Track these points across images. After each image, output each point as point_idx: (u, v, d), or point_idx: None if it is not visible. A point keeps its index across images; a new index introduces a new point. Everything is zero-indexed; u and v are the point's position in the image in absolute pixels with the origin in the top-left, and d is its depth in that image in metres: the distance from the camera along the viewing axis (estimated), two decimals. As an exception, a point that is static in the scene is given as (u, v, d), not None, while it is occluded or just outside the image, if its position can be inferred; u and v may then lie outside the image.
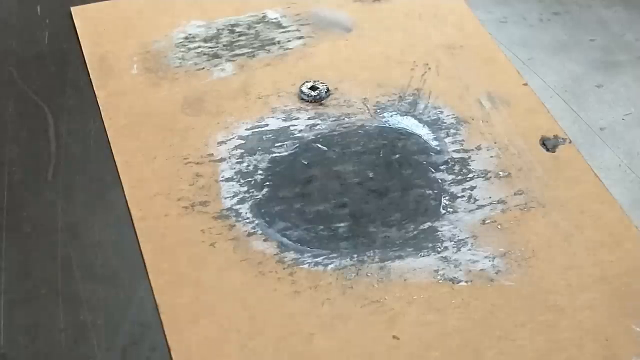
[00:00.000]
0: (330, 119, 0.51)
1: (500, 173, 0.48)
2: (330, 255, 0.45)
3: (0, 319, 0.42)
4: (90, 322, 0.42)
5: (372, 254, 0.45)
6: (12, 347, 0.41)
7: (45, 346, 0.41)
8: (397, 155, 0.49)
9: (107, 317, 0.42)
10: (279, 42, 0.55)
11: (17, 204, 0.47)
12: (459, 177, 0.48)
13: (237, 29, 0.56)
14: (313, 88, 0.52)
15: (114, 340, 0.42)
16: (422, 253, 0.45)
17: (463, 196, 0.47)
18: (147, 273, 0.44)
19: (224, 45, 0.55)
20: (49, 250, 0.45)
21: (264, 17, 0.57)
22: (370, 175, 0.48)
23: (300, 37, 0.56)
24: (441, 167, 0.49)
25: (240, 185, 0.48)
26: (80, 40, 0.55)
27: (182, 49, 0.55)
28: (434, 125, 0.51)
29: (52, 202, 0.47)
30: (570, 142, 0.50)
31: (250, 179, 0.48)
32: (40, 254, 0.45)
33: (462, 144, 0.50)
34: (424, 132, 0.50)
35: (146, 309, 0.43)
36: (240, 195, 0.47)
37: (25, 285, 0.44)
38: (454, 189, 0.48)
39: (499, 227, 0.46)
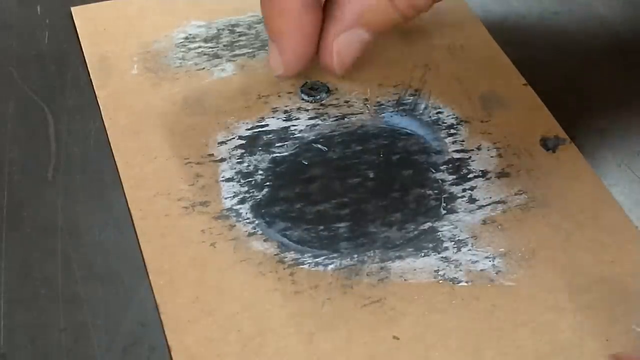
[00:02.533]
0: (331, 119, 0.51)
1: (501, 173, 0.49)
2: (331, 256, 0.45)
3: (0, 319, 0.42)
4: (90, 322, 0.42)
5: (372, 254, 0.45)
6: (12, 347, 0.41)
7: (45, 346, 0.41)
8: (398, 156, 0.49)
9: (107, 317, 0.42)
10: (279, 42, 0.55)
11: (17, 204, 0.47)
12: (459, 177, 0.48)
13: (238, 29, 0.56)
14: (313, 88, 0.52)
15: (114, 340, 0.42)
16: (423, 253, 0.45)
17: (463, 196, 0.47)
18: (147, 273, 0.44)
19: (224, 46, 0.55)
20: (49, 250, 0.45)
21: (264, 17, 0.57)
22: (371, 175, 0.48)
23: (300, 37, 0.56)
24: (441, 168, 0.49)
25: (241, 186, 0.48)
26: (81, 40, 0.55)
27: (183, 49, 0.55)
28: (434, 125, 0.51)
29: (52, 202, 0.47)
30: (570, 142, 0.50)
31: (250, 179, 0.48)
32: (40, 254, 0.45)
33: (462, 144, 0.50)
34: (424, 132, 0.50)
35: (146, 309, 0.43)
36: (241, 196, 0.47)
37: (25, 285, 0.44)
38: (454, 189, 0.48)
39: (500, 227, 0.46)
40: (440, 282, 0.44)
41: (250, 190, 0.47)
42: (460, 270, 0.44)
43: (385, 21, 0.47)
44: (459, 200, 0.47)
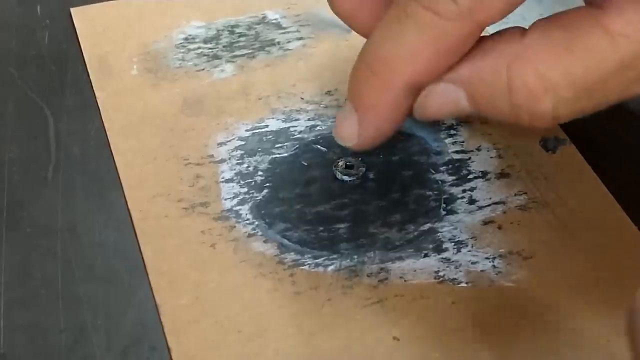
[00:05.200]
0: (330, 120, 0.51)
1: (500, 174, 0.49)
2: (331, 257, 0.45)
3: (0, 319, 0.42)
4: (90, 322, 0.42)
5: (372, 255, 0.45)
6: (12, 347, 0.41)
7: (45, 346, 0.41)
8: (397, 157, 0.49)
9: (107, 317, 0.42)
10: (278, 42, 0.55)
11: (17, 204, 0.47)
12: (459, 178, 0.48)
13: (237, 30, 0.56)
14: (349, 167, 0.49)
15: (114, 340, 0.42)
16: (423, 254, 0.45)
17: (463, 197, 0.47)
18: (147, 273, 0.44)
19: (223, 46, 0.55)
20: (49, 250, 0.45)
21: (264, 17, 0.57)
22: (371, 176, 0.48)
23: (300, 38, 0.56)
24: (441, 168, 0.49)
25: (241, 187, 0.48)
26: (80, 41, 0.55)
27: (182, 50, 0.55)
28: (434, 126, 0.51)
29: (52, 202, 0.47)
30: (570, 142, 0.50)
31: (250, 180, 0.48)
32: (40, 254, 0.45)
33: (462, 145, 0.50)
34: (424, 133, 0.50)
35: (146, 309, 0.43)
36: (241, 197, 0.47)
37: (25, 285, 0.43)
38: (454, 190, 0.48)
39: (499, 228, 0.46)
40: (441, 283, 0.44)
41: (250, 191, 0.47)
42: (460, 271, 0.44)
43: (491, 106, 0.41)
44: (459, 201, 0.47)
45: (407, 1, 0.40)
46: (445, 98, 0.41)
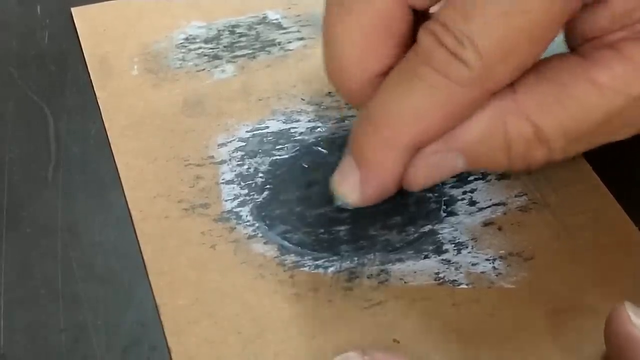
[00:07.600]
0: (331, 122, 0.51)
1: (501, 175, 0.49)
2: (331, 258, 0.45)
3: (0, 319, 0.42)
4: (90, 322, 0.42)
5: (372, 257, 0.45)
6: (12, 347, 0.41)
7: (45, 346, 0.41)
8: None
9: (107, 317, 0.42)
10: (279, 43, 0.55)
11: (17, 204, 0.47)
12: (459, 180, 0.48)
13: (238, 30, 0.56)
14: None
15: (114, 340, 0.42)
16: (423, 256, 0.45)
17: (463, 199, 0.47)
18: (147, 273, 0.44)
19: (224, 47, 0.55)
20: (49, 250, 0.45)
21: (264, 18, 0.57)
22: (371, 178, 0.48)
23: (301, 39, 0.56)
24: (441, 170, 0.49)
25: (241, 188, 0.48)
26: (81, 40, 0.55)
27: (183, 50, 0.55)
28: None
29: (52, 202, 0.47)
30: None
31: (250, 182, 0.48)
32: (40, 254, 0.45)
33: (462, 147, 0.50)
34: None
35: (146, 309, 0.43)
36: (241, 198, 0.47)
37: (25, 285, 0.43)
38: (455, 192, 0.48)
39: (500, 229, 0.46)
40: (441, 284, 0.44)
41: (251, 193, 0.47)
42: (461, 273, 0.44)
43: (490, 162, 0.42)
44: (459, 202, 0.47)
45: (417, 63, 0.40)
46: (441, 164, 0.42)
